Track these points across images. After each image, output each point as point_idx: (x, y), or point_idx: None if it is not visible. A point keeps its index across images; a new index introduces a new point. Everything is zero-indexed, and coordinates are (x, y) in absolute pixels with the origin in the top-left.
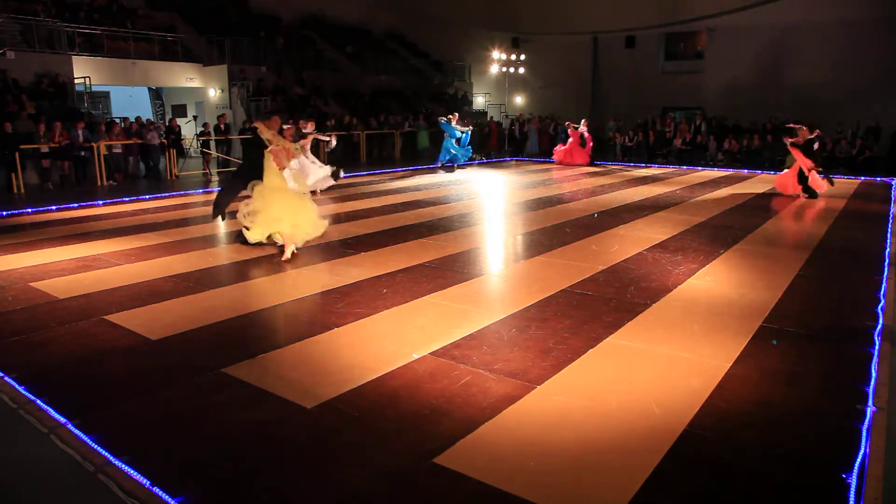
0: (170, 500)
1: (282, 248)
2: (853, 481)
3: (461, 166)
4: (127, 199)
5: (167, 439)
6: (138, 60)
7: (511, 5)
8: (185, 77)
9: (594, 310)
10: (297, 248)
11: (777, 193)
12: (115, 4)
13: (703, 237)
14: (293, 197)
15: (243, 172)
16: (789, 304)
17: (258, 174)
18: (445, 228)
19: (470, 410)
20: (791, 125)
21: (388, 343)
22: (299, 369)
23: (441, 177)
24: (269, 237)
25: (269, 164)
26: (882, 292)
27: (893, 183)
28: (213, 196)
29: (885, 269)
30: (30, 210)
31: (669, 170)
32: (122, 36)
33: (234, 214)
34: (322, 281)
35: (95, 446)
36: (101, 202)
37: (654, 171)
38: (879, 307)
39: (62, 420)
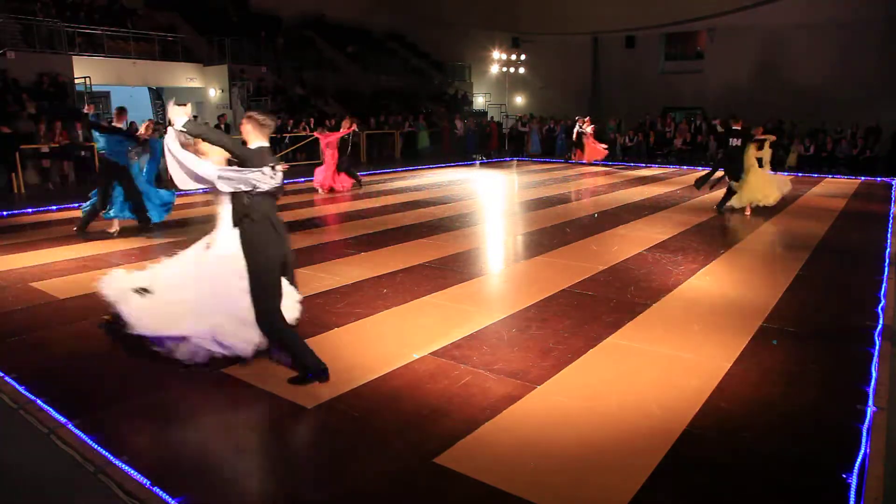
0: (170, 500)
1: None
2: (853, 481)
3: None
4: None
5: (167, 439)
6: (138, 60)
7: (511, 5)
8: (185, 77)
9: (594, 310)
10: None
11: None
12: (115, 4)
13: (703, 237)
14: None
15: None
16: (789, 304)
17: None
18: (445, 228)
19: (470, 410)
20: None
21: (388, 343)
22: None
23: (442, 176)
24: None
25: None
26: (882, 292)
27: (893, 183)
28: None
29: (885, 269)
30: (30, 210)
31: (669, 170)
32: (122, 36)
33: None
34: (322, 281)
35: (95, 446)
36: None
37: (654, 171)
38: (879, 307)
39: (62, 420)
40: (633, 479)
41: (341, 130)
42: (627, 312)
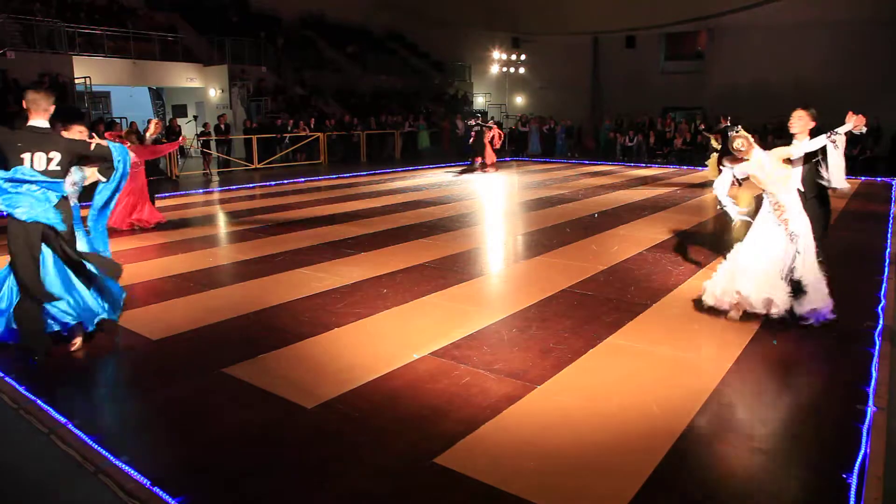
0: (170, 500)
1: None
2: (853, 481)
3: None
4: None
5: (167, 439)
6: (138, 60)
7: (511, 5)
8: (185, 77)
9: (594, 310)
10: None
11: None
12: (115, 4)
13: (703, 237)
14: None
15: None
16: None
17: None
18: (445, 228)
19: (470, 410)
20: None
21: (388, 343)
22: (299, 369)
23: (442, 176)
24: None
25: None
26: (882, 292)
27: (893, 183)
28: (214, 196)
29: (885, 269)
30: None
31: (669, 170)
32: (123, 36)
33: None
34: (322, 281)
35: (95, 446)
36: None
37: (654, 171)
38: (879, 307)
39: (62, 420)
40: (634, 479)
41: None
42: (628, 312)
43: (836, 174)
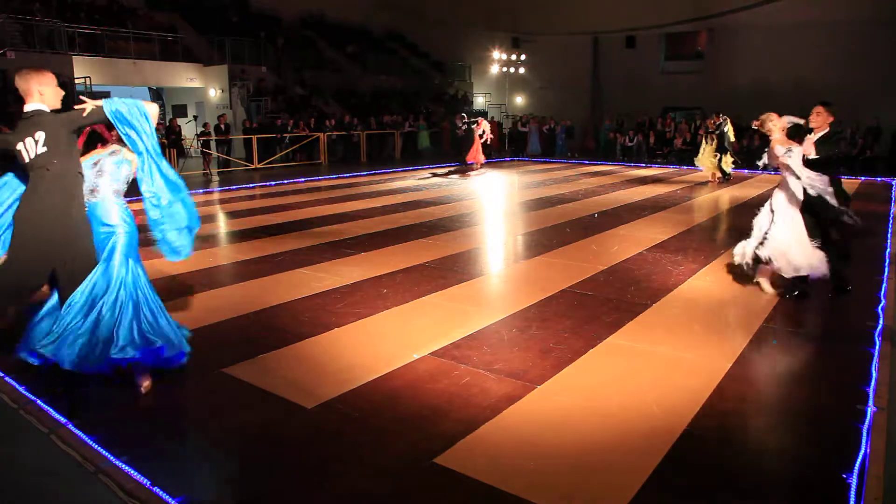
0: (170, 500)
1: None
2: (853, 481)
3: None
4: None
5: (167, 439)
6: (138, 60)
7: (511, 5)
8: (185, 77)
9: (594, 310)
10: None
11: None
12: (115, 4)
13: (703, 237)
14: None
15: None
16: (789, 304)
17: None
18: (445, 228)
19: (470, 410)
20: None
21: (388, 343)
22: (299, 369)
23: (442, 176)
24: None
25: None
26: (882, 292)
27: (893, 183)
28: (214, 196)
29: (886, 269)
30: None
31: (669, 170)
32: (123, 36)
33: None
34: (322, 281)
35: (96, 446)
36: None
37: (654, 171)
38: (879, 307)
39: (62, 420)
40: (634, 479)
41: None
42: (628, 312)
43: (805, 177)
